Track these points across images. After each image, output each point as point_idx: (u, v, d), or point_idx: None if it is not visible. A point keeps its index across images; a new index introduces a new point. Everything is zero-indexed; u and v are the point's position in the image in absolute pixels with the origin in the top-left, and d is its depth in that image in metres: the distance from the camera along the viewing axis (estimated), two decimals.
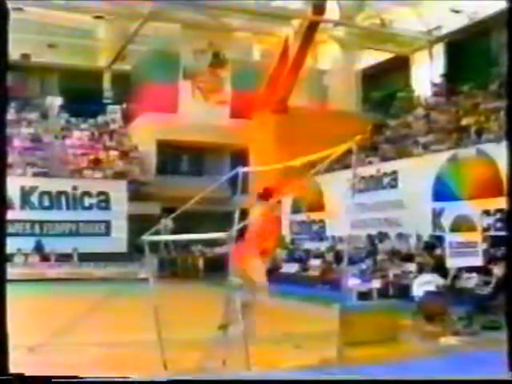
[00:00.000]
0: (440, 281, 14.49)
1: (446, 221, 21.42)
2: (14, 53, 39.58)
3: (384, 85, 40.92)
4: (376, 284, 14.07)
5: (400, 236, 24.14)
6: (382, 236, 24.97)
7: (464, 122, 26.38)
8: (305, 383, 6.98)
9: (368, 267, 16.78)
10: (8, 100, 5.68)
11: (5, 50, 5.47)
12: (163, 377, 9.09)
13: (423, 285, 13.94)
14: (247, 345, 7.59)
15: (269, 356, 10.32)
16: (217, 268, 23.95)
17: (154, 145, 37.58)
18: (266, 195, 10.79)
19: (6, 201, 5.33)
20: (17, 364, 9.83)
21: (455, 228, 20.05)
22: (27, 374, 9.15)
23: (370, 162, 27.88)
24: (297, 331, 12.61)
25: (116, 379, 6.10)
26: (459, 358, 10.83)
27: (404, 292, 18.58)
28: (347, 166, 22.27)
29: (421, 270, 19.37)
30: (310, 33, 33.22)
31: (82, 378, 5.70)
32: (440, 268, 16.61)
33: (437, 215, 22.73)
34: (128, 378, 6.17)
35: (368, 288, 13.36)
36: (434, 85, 35.59)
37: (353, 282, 13.81)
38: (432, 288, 13.78)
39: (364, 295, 13.11)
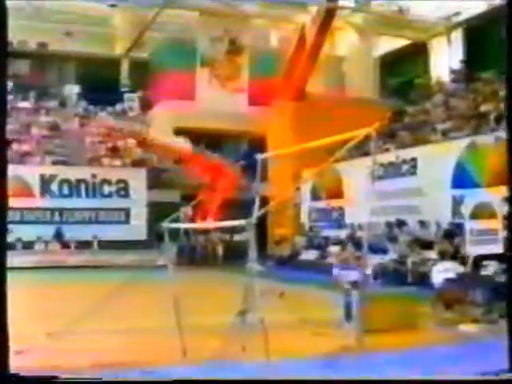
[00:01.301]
0: (459, 268, 14.46)
1: (466, 208, 21.29)
2: (30, 41, 39.82)
3: (402, 71, 40.69)
4: (367, 271, 13.87)
5: (419, 223, 24.06)
6: (401, 223, 24.89)
7: (483, 108, 26.21)
8: (305, 383, 6.98)
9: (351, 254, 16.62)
10: (6, 89, 5.66)
11: (4, 37, 5.42)
12: (181, 365, 9.14)
13: (443, 272, 13.92)
14: (266, 332, 7.59)
15: (287, 343, 10.34)
16: (236, 255, 24.04)
17: (172, 132, 37.54)
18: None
19: (6, 187, 5.32)
20: (35, 350, 9.97)
21: (475, 215, 19.95)
22: (44, 361, 9.27)
23: (388, 149, 27.77)
24: (315, 318, 12.62)
25: (116, 379, 6.12)
26: (477, 345, 10.81)
27: (423, 279, 18.60)
28: (366, 154, 22.23)
29: (440, 257, 19.33)
30: (326, 19, 33.04)
31: (82, 378, 5.72)
32: (459, 255, 16.59)
33: (456, 202, 22.60)
34: (128, 377, 6.19)
35: (358, 277, 13.13)
36: (453, 71, 35.36)
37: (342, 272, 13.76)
38: (451, 275, 13.76)
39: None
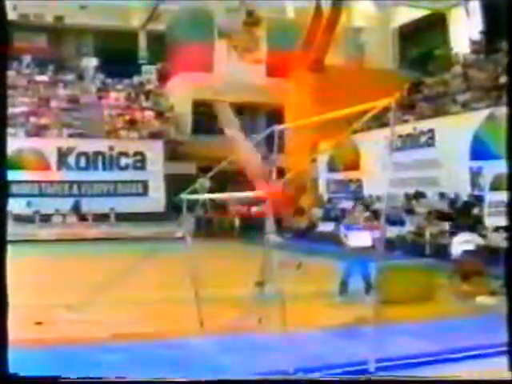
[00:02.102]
0: (479, 240, 14.39)
1: (485, 179, 21.17)
2: (47, 14, 39.78)
3: (421, 42, 40.33)
4: (375, 234, 13.59)
5: (437, 195, 23.98)
6: (419, 195, 24.80)
7: (503, 79, 25.96)
8: (306, 383, 7.00)
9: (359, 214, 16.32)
10: (7, 65, 5.62)
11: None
12: (198, 336, 9.19)
13: (462, 244, 13.85)
14: (283, 303, 7.61)
15: (304, 314, 10.37)
16: (253, 226, 24.06)
17: (190, 105, 37.56)
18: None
19: (6, 163, 5.31)
20: (54, 322, 10.06)
21: (495, 187, 19.85)
22: (64, 333, 9.36)
23: (406, 121, 27.60)
24: (333, 289, 12.65)
25: (117, 379, 6.16)
26: (494, 317, 10.79)
27: (441, 251, 18.55)
28: (384, 125, 22.09)
29: (458, 229, 19.27)
30: None
31: (82, 378, 5.75)
32: (478, 227, 16.53)
33: (475, 174, 22.47)
34: (127, 378, 6.22)
35: (367, 242, 12.92)
36: (472, 42, 35.01)
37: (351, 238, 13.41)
38: (471, 247, 13.69)
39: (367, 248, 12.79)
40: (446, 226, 21.14)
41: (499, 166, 20.74)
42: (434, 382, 7.00)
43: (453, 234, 18.19)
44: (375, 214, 16.76)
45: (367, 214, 16.76)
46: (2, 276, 5.09)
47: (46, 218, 30.34)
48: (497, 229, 18.56)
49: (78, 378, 5.71)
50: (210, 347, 8.63)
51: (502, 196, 15.26)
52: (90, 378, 5.83)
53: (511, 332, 6.08)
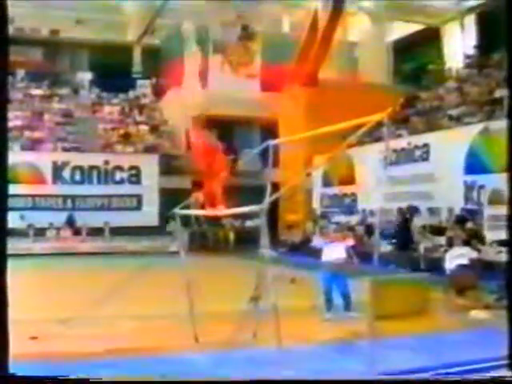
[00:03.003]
0: (473, 254, 14.40)
1: (483, 194, 21.24)
2: (42, 29, 39.89)
3: (415, 57, 40.59)
4: (349, 243, 13.51)
5: (431, 209, 24.01)
6: (413, 209, 24.82)
7: (497, 94, 26.06)
8: (306, 383, 6.98)
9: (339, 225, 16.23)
10: (7, 77, 5.66)
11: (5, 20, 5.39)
12: (193, 351, 9.17)
13: (456, 258, 13.86)
14: (278, 318, 7.60)
15: (299, 329, 10.36)
16: (247, 241, 24.05)
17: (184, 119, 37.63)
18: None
19: (7, 175, 5.33)
20: (48, 337, 10.02)
21: (493, 201, 19.93)
22: (57, 348, 9.32)
23: (400, 135, 27.66)
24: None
25: (116, 379, 6.14)
26: (489, 331, 10.78)
27: (435, 265, 18.56)
28: (378, 139, 22.15)
29: (452, 243, 19.29)
30: (338, 5, 32.90)
31: (81, 378, 5.74)
32: (472, 241, 16.55)
33: (469, 188, 22.52)
34: (127, 377, 6.21)
35: (340, 255, 12.84)
36: (466, 57, 35.19)
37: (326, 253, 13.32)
38: (465, 261, 13.70)
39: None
40: (440, 240, 21.16)
41: (494, 180, 20.91)
42: (434, 383, 7.00)
43: (447, 248, 18.25)
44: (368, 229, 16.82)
45: (334, 226, 16.78)
46: (2, 276, 5.08)
47: (40, 232, 30.30)
48: (491, 243, 18.64)
49: (77, 378, 5.70)
50: (204, 362, 8.60)
51: (501, 210, 15.30)
52: (90, 378, 5.82)
53: (511, 332, 6.06)
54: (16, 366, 5.21)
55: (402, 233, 22.92)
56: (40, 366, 6.83)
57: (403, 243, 22.32)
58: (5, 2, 5.31)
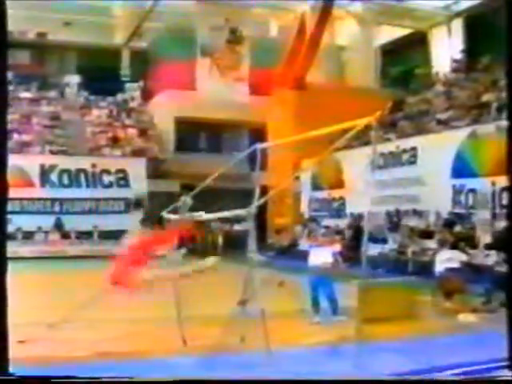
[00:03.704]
0: (463, 257, 14.44)
1: (479, 197, 21.36)
2: (30, 31, 39.75)
3: (403, 61, 40.65)
4: (335, 248, 13.53)
5: (419, 213, 24.06)
6: (401, 213, 24.89)
7: (484, 98, 26.16)
8: (306, 383, 6.99)
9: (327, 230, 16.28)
10: (6, 80, 5.67)
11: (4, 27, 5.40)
12: (181, 355, 9.15)
13: (445, 261, 13.88)
14: (265, 322, 7.60)
15: (286, 333, 10.36)
16: (236, 245, 24.02)
17: (173, 122, 37.61)
18: None
19: (7, 178, 5.33)
20: (36, 341, 9.98)
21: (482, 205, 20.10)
22: (45, 352, 9.28)
23: (389, 139, 27.72)
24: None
25: (116, 379, 6.13)
26: (477, 334, 10.82)
27: (423, 269, 18.62)
28: (366, 143, 22.20)
29: (440, 246, 19.34)
30: (326, 8, 32.95)
31: (81, 378, 5.73)
32: (460, 245, 16.58)
33: (456, 192, 22.58)
34: (127, 378, 6.19)
35: (327, 259, 12.83)
36: (454, 61, 35.30)
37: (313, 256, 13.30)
38: (454, 265, 13.72)
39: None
40: (428, 243, 21.21)
41: (480, 184, 21.02)
42: (433, 383, 7.01)
43: (436, 251, 18.30)
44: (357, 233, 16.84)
45: (323, 230, 16.80)
46: (2, 276, 5.07)
47: (28, 236, 30.19)
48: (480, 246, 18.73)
49: (77, 378, 5.68)
50: (192, 366, 8.59)
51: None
52: (90, 378, 5.80)
53: (511, 332, 6.07)
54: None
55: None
56: (39, 367, 6.79)
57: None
58: (4, 7, 5.32)
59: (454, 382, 6.89)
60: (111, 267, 9.82)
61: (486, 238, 18.72)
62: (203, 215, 10.04)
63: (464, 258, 14.63)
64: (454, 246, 15.62)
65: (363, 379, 6.95)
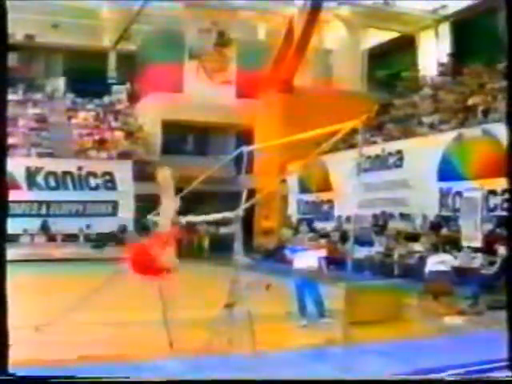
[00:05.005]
0: (454, 261, 14.49)
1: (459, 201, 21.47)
2: (17, 33, 39.56)
3: (390, 64, 40.75)
4: (321, 253, 13.54)
5: (405, 216, 24.10)
6: (388, 216, 24.93)
7: (470, 101, 26.24)
8: (306, 383, 6.99)
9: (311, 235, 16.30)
10: (7, 82, 5.65)
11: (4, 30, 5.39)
12: (168, 357, 9.13)
13: (436, 264, 13.90)
14: (252, 325, 7.60)
15: (273, 335, 10.35)
16: (222, 247, 23.99)
17: (159, 125, 37.52)
18: None
19: (7, 182, 5.31)
20: (23, 344, 9.92)
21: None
22: (32, 355, 9.23)
23: (375, 142, 27.76)
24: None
25: (116, 379, 6.11)
26: (463, 337, 10.85)
27: (410, 271, 18.67)
28: (353, 146, 22.22)
29: (427, 249, 19.39)
30: (314, 12, 32.97)
31: (81, 378, 5.71)
32: (446, 247, 16.66)
33: (443, 195, 22.62)
34: (128, 377, 6.17)
35: (312, 263, 12.81)
36: (441, 64, 35.43)
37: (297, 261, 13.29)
38: (445, 268, 13.74)
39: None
40: (415, 246, 21.27)
41: (467, 187, 21.08)
42: (433, 382, 7.01)
43: (424, 254, 18.37)
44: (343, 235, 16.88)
45: (311, 234, 16.81)
46: (2, 276, 5.05)
47: (13, 238, 30.02)
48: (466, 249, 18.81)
49: (77, 378, 5.66)
50: (179, 368, 8.57)
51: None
52: (90, 378, 5.78)
53: (511, 332, 6.08)
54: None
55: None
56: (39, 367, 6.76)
57: None
58: (5, 9, 5.30)
59: (454, 382, 6.89)
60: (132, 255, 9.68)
61: (472, 241, 18.79)
62: (191, 218, 10.02)
63: (456, 261, 14.70)
64: (439, 249, 15.69)
65: (363, 379, 6.94)
